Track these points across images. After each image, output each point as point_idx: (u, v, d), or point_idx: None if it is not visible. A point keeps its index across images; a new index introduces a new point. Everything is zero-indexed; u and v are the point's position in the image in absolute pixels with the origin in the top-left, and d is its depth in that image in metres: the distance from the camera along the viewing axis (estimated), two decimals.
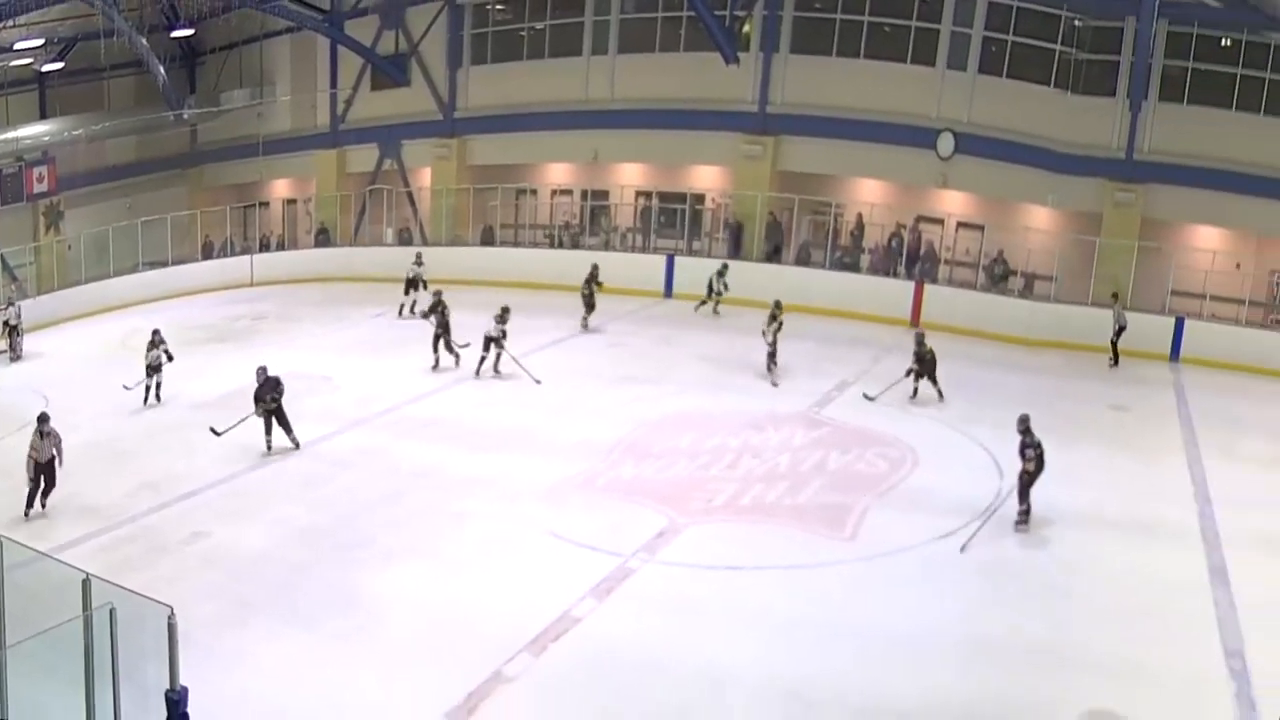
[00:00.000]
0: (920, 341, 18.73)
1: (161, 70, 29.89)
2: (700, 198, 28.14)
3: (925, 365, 18.59)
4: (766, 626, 12.20)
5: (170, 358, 18.69)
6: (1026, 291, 25.93)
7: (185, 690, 7.21)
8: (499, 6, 29.41)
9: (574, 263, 26.44)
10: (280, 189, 33.05)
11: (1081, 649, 12.12)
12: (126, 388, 17.72)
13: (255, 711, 9.73)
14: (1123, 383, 22.51)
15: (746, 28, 26.97)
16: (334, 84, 30.52)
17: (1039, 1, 25.56)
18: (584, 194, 29.77)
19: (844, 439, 17.85)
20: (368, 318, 24.85)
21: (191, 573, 12.57)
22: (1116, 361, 23.46)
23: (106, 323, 25.25)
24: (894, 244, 26.68)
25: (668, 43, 27.14)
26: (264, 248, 29.19)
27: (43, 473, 14.09)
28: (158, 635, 7.09)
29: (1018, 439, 14.76)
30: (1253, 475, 17.57)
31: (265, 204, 31.76)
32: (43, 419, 14.20)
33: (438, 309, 19.05)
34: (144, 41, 28.92)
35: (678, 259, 26.08)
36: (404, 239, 29.76)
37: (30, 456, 13.99)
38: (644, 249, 27.45)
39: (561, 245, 28.33)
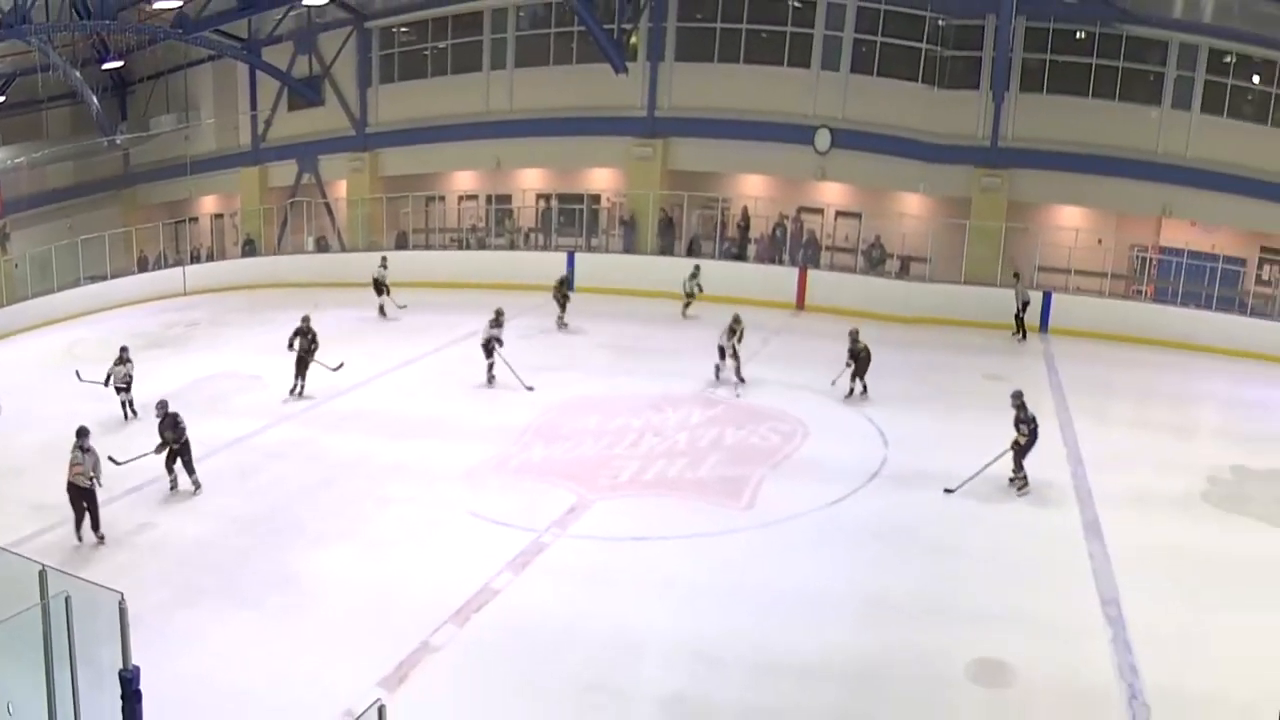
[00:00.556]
0: (854, 339, 18.48)
1: (95, 100, 30.89)
2: (596, 198, 29.02)
3: (860, 363, 18.30)
4: (673, 592, 12.51)
5: (130, 380, 17.53)
6: (903, 273, 27.07)
7: (137, 669, 7.36)
8: (403, 29, 30.06)
9: (482, 262, 27.18)
10: (208, 205, 33.62)
11: (968, 602, 12.58)
12: (79, 377, 17.39)
13: (203, 686, 9.83)
14: (996, 354, 23.26)
15: (634, 39, 27.72)
16: (254, 106, 31.37)
17: (905, 4, 26.37)
18: (489, 199, 30.66)
19: (738, 416, 18.33)
20: (293, 320, 25.29)
21: (140, 561, 12.73)
22: (1024, 336, 24.26)
23: (52, 334, 25.39)
24: (778, 234, 27.82)
25: (561, 56, 28.06)
26: (195, 260, 29.68)
27: (84, 498, 12.55)
28: (110, 620, 7.25)
29: (1012, 413, 15.04)
30: (1121, 436, 18.44)
31: (195, 219, 32.16)
32: (82, 433, 12.72)
33: (305, 334, 18.07)
34: (78, 74, 29.89)
35: (578, 255, 26.81)
36: (323, 247, 30.59)
37: (75, 472, 12.34)
38: (546, 247, 28.23)
39: (469, 247, 29.09)
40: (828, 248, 27.98)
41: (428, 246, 29.41)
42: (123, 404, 17.14)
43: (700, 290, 23.45)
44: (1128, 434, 18.73)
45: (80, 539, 12.70)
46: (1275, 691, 10.76)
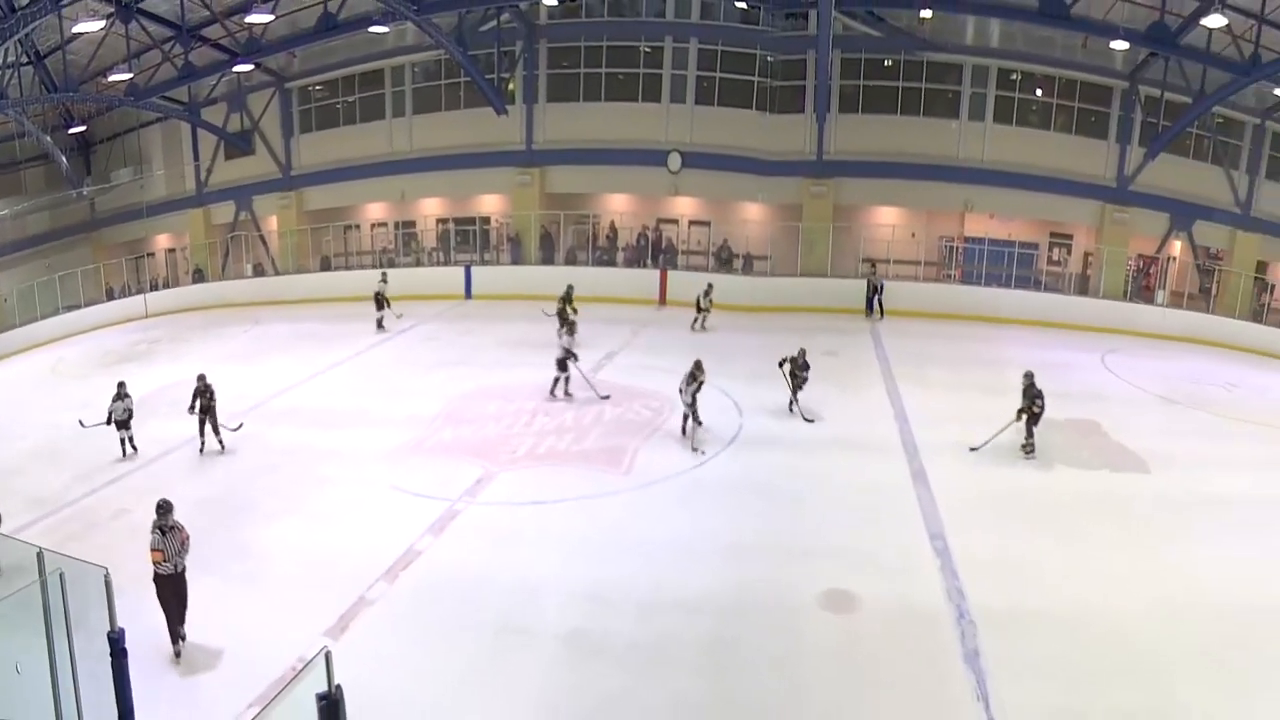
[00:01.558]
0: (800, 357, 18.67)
1: (64, 159, 32.68)
2: (486, 219, 30.63)
3: (797, 381, 18.41)
4: (567, 546, 13.13)
5: (131, 414, 16.43)
6: (748, 269, 29.13)
7: (122, 631, 7.68)
8: (318, 86, 31.52)
9: (393, 277, 27.16)
10: (162, 241, 34.71)
11: (816, 542, 13.42)
12: (83, 424, 16.79)
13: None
14: (831, 333, 24.41)
15: (511, 86, 29.28)
16: (196, 157, 32.84)
17: (738, 44, 28.30)
18: (396, 224, 32.17)
19: (615, 396, 19.19)
20: (238, 334, 26.00)
21: (120, 541, 13.06)
22: (882, 315, 26.37)
23: (37, 355, 26.36)
24: (641, 242, 29.27)
25: (451, 102, 29.72)
26: (153, 288, 31.10)
27: (173, 589, 10.16)
28: (98, 591, 7.54)
29: (1022, 387, 16.05)
30: (939, 397, 19.98)
31: (151, 254, 33.59)
32: (163, 510, 10.16)
33: (204, 394, 16.82)
34: (48, 139, 31.68)
35: (474, 268, 28.60)
36: (259, 272, 31.99)
37: (156, 559, 10.07)
38: (446, 263, 29.82)
39: (382, 266, 29.91)
40: (683, 251, 29.47)
41: (347, 267, 30.91)
42: (121, 441, 16.40)
43: (711, 305, 23.88)
44: (945, 395, 20.26)
45: (179, 651, 10.46)
46: (1082, 605, 12.10)
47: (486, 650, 10.65)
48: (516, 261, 29.03)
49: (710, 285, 24.68)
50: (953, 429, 17.97)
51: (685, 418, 16.86)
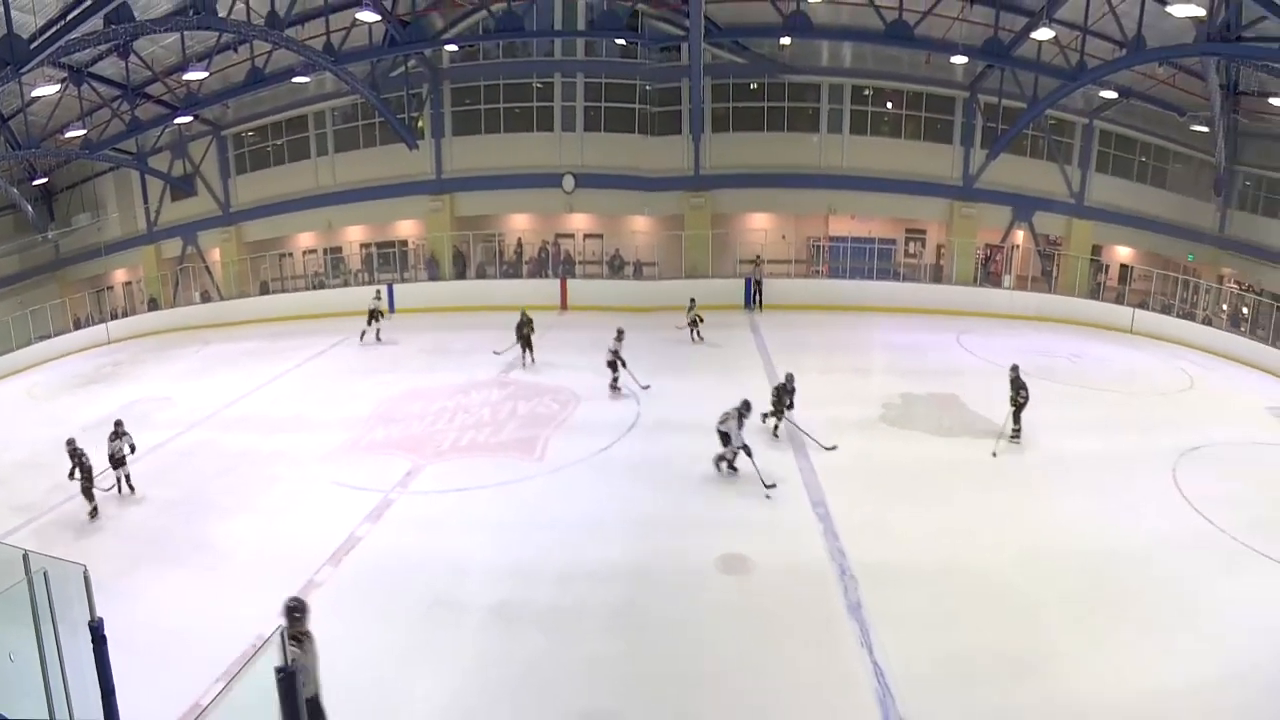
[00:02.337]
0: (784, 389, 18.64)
1: (29, 208, 33.91)
2: (404, 242, 31.95)
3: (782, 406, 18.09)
4: (491, 527, 13.68)
5: (133, 449, 15.60)
6: (638, 275, 30.41)
7: (102, 621, 7.89)
8: (250, 132, 32.81)
9: (323, 298, 29.52)
10: (120, 276, 35.76)
11: (711, 514, 14.11)
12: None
13: (151, 629, 10.61)
14: (715, 328, 25.50)
15: (421, 123, 30.64)
16: (146, 200, 34.28)
17: (620, 76, 29.73)
18: (325, 250, 33.42)
19: (526, 392, 20.03)
20: (190, 354, 26.83)
21: (95, 542, 13.74)
22: (761, 309, 28.14)
23: (13, 381, 27.24)
24: (542, 255, 30.61)
25: (368, 140, 31.15)
26: (114, 317, 32.38)
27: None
28: (78, 586, 7.83)
29: (1009, 379, 16.92)
30: (814, 379, 20.49)
31: (111, 288, 34.58)
32: (296, 614, 8.78)
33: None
34: (15, 190, 32.80)
35: (395, 286, 29.84)
36: (206, 298, 33.03)
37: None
38: (371, 283, 30.55)
39: (313, 288, 31.93)
40: (580, 262, 30.93)
41: (283, 290, 32.19)
42: (118, 479, 15.74)
43: (701, 320, 24.60)
44: (819, 377, 21.11)
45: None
46: (952, 559, 12.90)
47: (423, 622, 11.19)
48: (433, 278, 30.38)
49: (693, 300, 24.92)
50: (826, 407, 18.92)
51: (733, 455, 15.83)
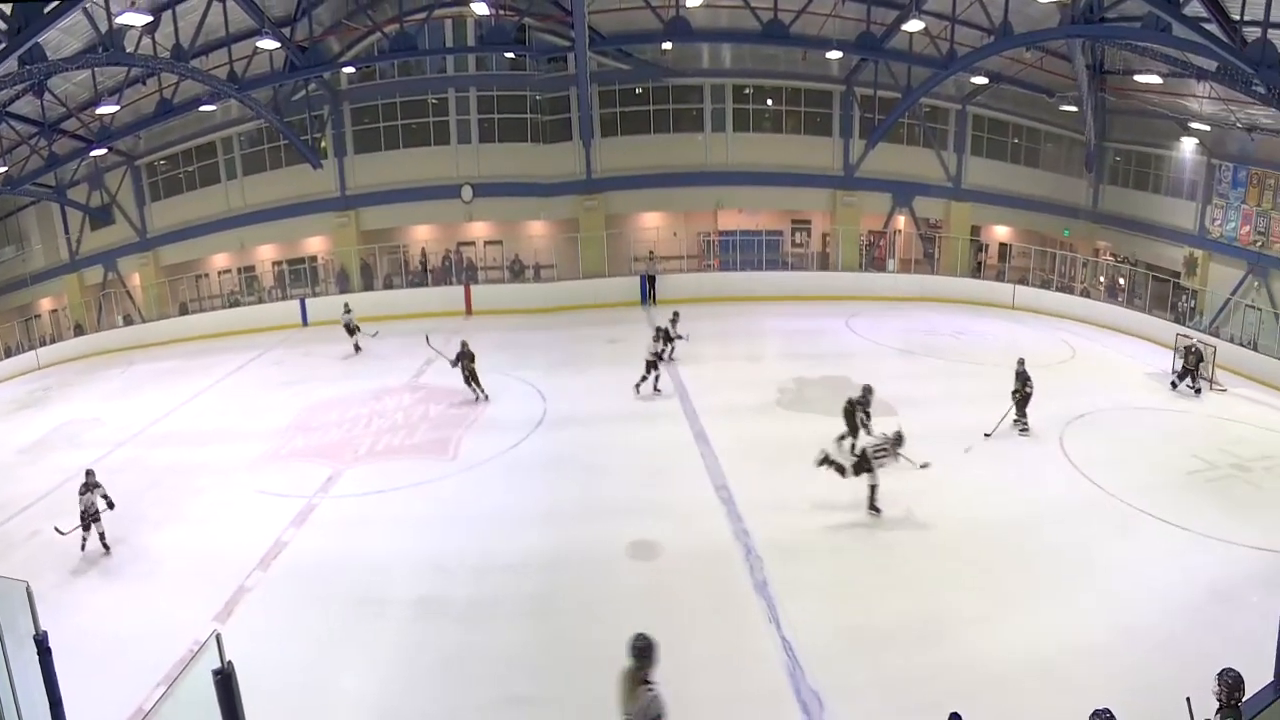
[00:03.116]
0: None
1: None
2: (314, 258, 32.58)
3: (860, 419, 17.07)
4: (409, 526, 14.09)
5: (111, 504, 14.07)
6: (537, 278, 31.30)
7: (46, 634, 7.97)
8: (162, 160, 33.32)
9: (238, 315, 29.97)
10: (46, 304, 36.16)
11: (619, 503, 14.60)
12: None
13: (93, 638, 10.91)
14: (614, 324, 26.63)
15: (324, 143, 31.23)
16: (67, 231, 34.74)
17: (510, 89, 30.65)
18: (239, 270, 34.08)
19: (437, 395, 20.49)
20: (116, 375, 27.09)
21: (35, 557, 13.94)
22: (655, 302, 29.10)
23: None
24: (446, 263, 31.09)
25: (274, 162, 31.70)
26: (43, 343, 32.80)
27: None
28: (22, 601, 7.87)
29: (1015, 372, 17.22)
30: (710, 367, 22.28)
31: (38, 315, 35.19)
32: None
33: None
34: None
35: (307, 300, 30.50)
36: (129, 321, 33.39)
37: None
38: (284, 298, 31.64)
39: (229, 306, 32.41)
40: (482, 268, 31.55)
41: (201, 310, 32.61)
42: (85, 538, 13.99)
43: (679, 338, 22.63)
44: (716, 366, 22.55)
45: None
46: (850, 533, 13.52)
47: (349, 619, 11.50)
48: (343, 290, 30.66)
49: (676, 313, 23.31)
50: (724, 393, 19.82)
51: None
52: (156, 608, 12.04)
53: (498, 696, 10.12)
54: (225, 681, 6.97)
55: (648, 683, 7.59)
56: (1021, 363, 17.55)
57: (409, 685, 10.35)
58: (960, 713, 7.30)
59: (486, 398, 19.54)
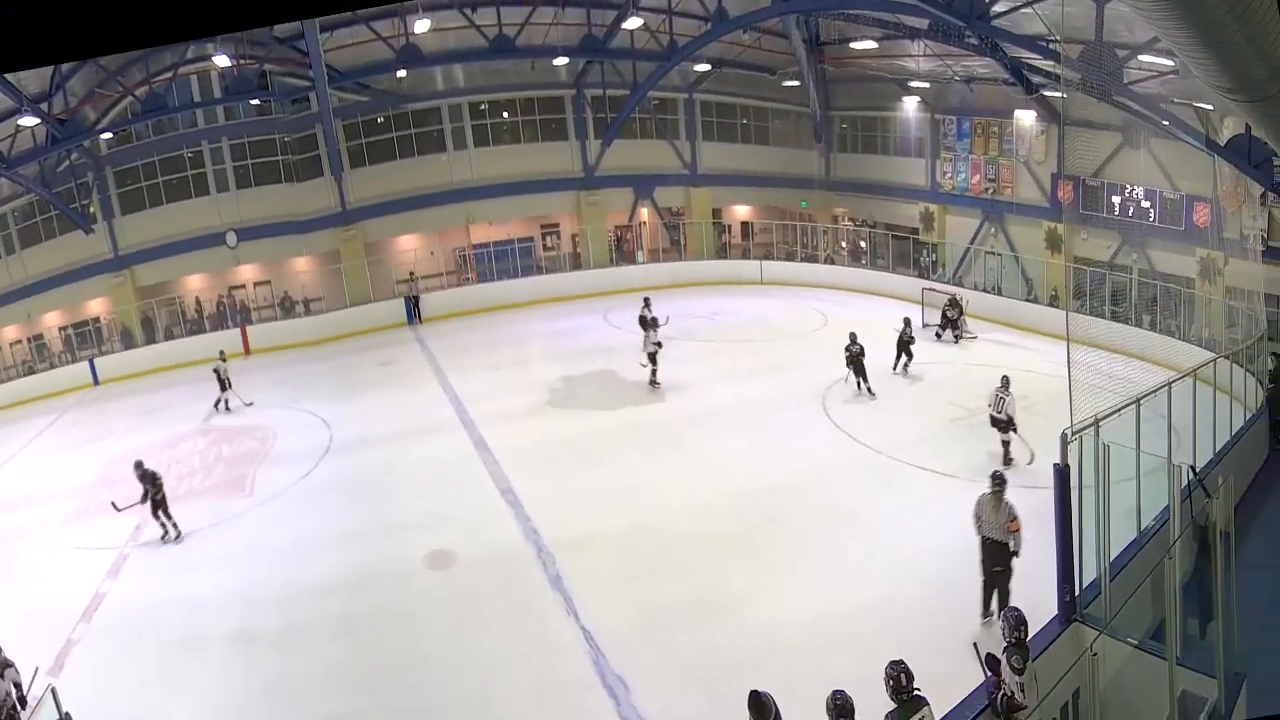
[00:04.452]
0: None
1: None
2: (97, 319, 32.30)
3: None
4: (217, 563, 14.63)
5: (22, 702, 10.39)
6: (307, 311, 32.12)
7: None
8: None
9: (34, 384, 29.69)
10: None
11: (412, 517, 15.39)
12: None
13: None
14: (383, 347, 27.71)
15: (92, 208, 31.52)
16: None
17: (260, 134, 31.53)
18: (29, 339, 32.64)
19: (228, 436, 21.16)
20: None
21: None
22: (420, 321, 30.81)
23: None
24: (220, 308, 31.85)
25: (48, 233, 30.62)
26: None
27: None
28: None
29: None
30: (479, 377, 23.42)
31: None
32: None
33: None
34: None
35: (96, 359, 30.40)
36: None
37: None
38: (73, 360, 31.05)
39: (24, 375, 30.96)
40: (255, 308, 32.84)
41: None
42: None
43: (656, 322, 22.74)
44: (485, 374, 23.69)
45: None
46: (633, 520, 14.29)
47: (172, 659, 11.88)
48: (129, 347, 31.28)
49: (646, 299, 25.23)
50: (497, 400, 20.84)
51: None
52: None
53: (321, 715, 10.71)
54: None
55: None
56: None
57: (237, 716, 10.94)
58: (760, 689, 7.48)
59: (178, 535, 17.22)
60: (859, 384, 19.63)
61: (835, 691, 7.16)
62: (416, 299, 31.81)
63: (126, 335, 32.46)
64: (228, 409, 23.84)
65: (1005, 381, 15.88)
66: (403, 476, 17.35)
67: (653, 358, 21.08)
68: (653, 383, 21.13)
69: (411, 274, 32.51)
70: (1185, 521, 9.12)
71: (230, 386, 23.89)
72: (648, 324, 21.95)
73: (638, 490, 15.35)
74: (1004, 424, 15.84)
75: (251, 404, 23.61)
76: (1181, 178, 23.80)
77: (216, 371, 23.92)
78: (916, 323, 23.09)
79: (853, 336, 19.65)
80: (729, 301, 30.10)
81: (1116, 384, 11.09)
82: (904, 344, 20.70)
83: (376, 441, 19.42)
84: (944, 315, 23.47)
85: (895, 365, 20.79)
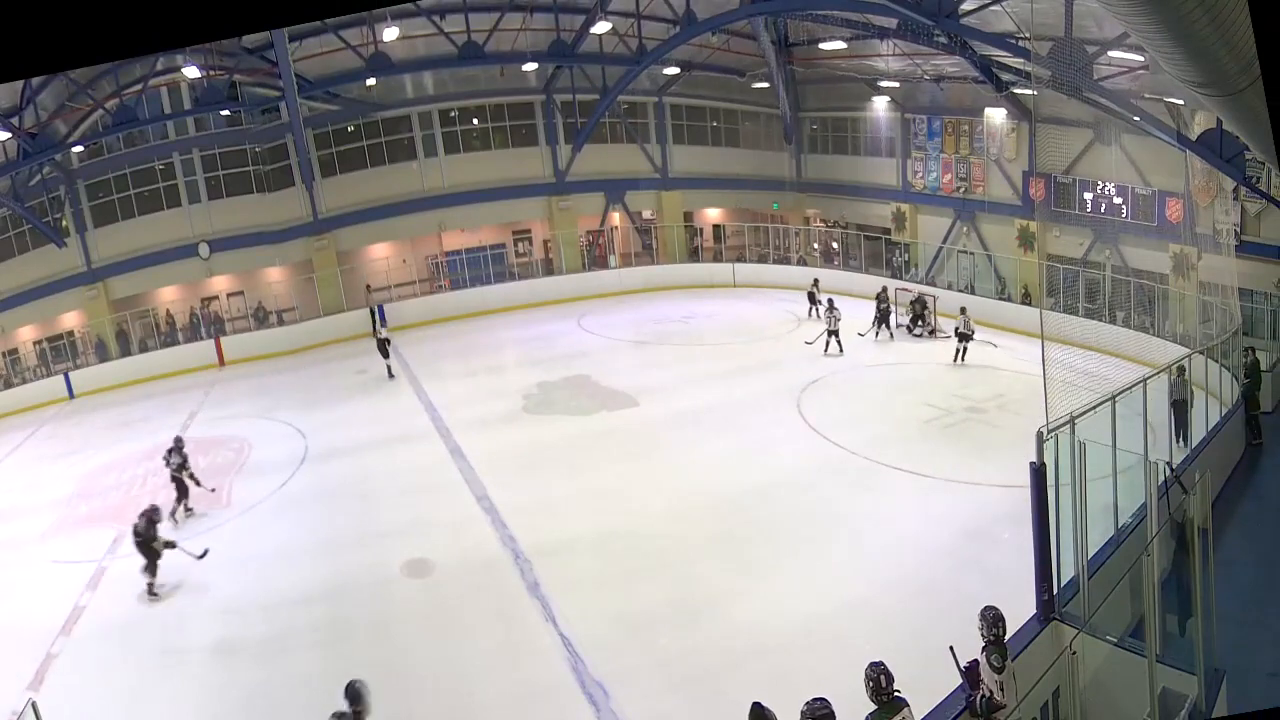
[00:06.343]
0: None
1: None
2: (71, 332, 32.73)
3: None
4: (198, 574, 14.62)
5: None
6: (280, 322, 32.34)
7: None
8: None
9: (10, 398, 29.66)
10: None
11: (389, 525, 15.50)
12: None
13: None
14: (358, 356, 27.77)
15: (65, 222, 31.77)
16: None
17: (231, 145, 31.92)
18: (4, 354, 32.66)
19: (205, 447, 20.88)
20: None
21: None
22: (386, 327, 28.95)
23: None
24: (193, 320, 32.42)
25: (21, 248, 31.06)
26: None
27: None
28: None
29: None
30: (454, 384, 23.58)
31: None
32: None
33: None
34: None
35: (71, 373, 30.74)
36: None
37: None
38: (49, 375, 31.49)
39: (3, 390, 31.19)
40: (229, 319, 33.07)
41: None
42: None
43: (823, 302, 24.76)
44: (461, 381, 23.85)
45: None
46: (608, 524, 14.49)
47: (154, 671, 11.93)
48: (103, 360, 31.63)
49: (816, 280, 29.24)
50: (472, 407, 20.95)
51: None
52: None
53: None
54: None
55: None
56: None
57: None
58: (761, 703, 7.57)
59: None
60: (876, 332, 23.18)
61: (813, 700, 7.04)
62: (379, 308, 32.13)
63: (101, 348, 32.78)
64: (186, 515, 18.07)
65: (963, 309, 20.89)
66: (379, 485, 17.55)
67: (833, 334, 23.16)
68: (828, 346, 23.70)
69: (368, 286, 32.88)
70: (1163, 518, 9.20)
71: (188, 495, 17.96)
72: (829, 302, 23.72)
73: (615, 495, 15.58)
74: (968, 336, 21.42)
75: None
76: (1153, 173, 24.37)
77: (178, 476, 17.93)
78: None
79: (882, 293, 22.47)
80: (702, 305, 30.53)
81: (1091, 381, 11.23)
82: (884, 315, 23.47)
83: (353, 449, 19.69)
84: (912, 309, 24.51)
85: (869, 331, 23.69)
